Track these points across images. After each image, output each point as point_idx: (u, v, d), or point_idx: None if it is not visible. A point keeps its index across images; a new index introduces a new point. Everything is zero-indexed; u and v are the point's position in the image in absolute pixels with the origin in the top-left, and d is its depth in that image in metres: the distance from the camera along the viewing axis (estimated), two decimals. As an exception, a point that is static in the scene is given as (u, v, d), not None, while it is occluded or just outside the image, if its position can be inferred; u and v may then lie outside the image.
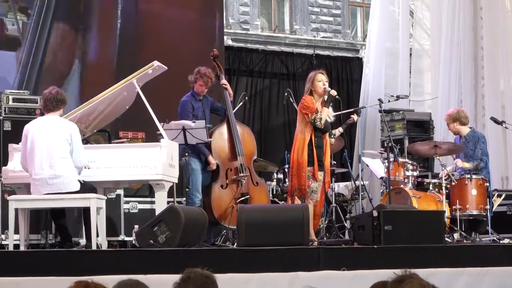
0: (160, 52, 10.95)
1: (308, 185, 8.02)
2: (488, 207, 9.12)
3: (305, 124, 8.13)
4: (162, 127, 8.06)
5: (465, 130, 9.62)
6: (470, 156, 9.48)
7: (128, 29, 11.78)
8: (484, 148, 9.54)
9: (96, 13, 11.72)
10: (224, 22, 13.97)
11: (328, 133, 8.29)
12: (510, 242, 8.91)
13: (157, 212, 7.40)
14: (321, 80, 8.19)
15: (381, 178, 9.73)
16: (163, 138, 7.84)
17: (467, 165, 9.39)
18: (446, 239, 8.28)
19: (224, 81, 9.31)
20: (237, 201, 8.71)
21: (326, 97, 8.20)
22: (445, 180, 9.15)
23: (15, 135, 8.11)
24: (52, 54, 11.18)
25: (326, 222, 9.53)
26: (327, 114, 8.18)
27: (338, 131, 8.62)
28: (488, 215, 9.11)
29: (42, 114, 7.88)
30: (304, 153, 8.05)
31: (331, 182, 9.64)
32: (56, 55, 11.25)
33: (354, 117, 8.73)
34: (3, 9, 11.06)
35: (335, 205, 9.97)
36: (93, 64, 11.51)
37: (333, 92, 8.14)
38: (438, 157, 9.36)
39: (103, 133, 9.44)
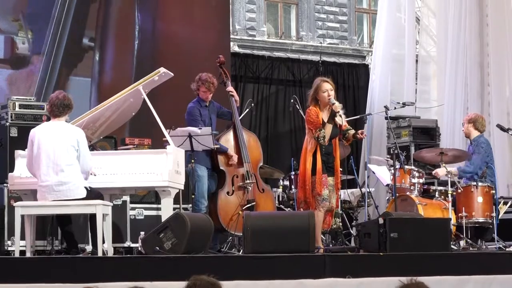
0: (177, 68, 10.99)
1: (319, 193, 7.90)
2: (494, 214, 9.11)
3: (311, 134, 7.98)
4: (168, 133, 8.06)
5: (474, 134, 9.59)
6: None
7: (145, 50, 11.81)
8: (483, 152, 9.46)
9: (112, 33, 11.74)
10: (230, 29, 13.97)
11: (337, 137, 8.06)
12: (516, 249, 8.90)
13: (163, 219, 7.40)
14: (325, 90, 7.94)
15: (387, 185, 9.71)
16: (169, 144, 7.84)
17: (449, 169, 9.35)
18: (452, 246, 8.28)
19: (230, 88, 9.32)
20: (243, 208, 8.71)
21: (330, 108, 7.94)
22: (451, 187, 9.14)
23: (22, 142, 8.10)
24: (66, 74, 11.25)
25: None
26: (340, 120, 8.00)
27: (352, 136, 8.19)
28: (494, 222, 9.10)
29: (48, 119, 7.86)
30: (307, 164, 7.94)
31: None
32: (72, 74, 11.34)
33: (362, 135, 8.33)
34: (14, 28, 11.06)
35: (341, 212, 9.94)
36: (109, 83, 11.52)
37: (335, 108, 7.91)
38: (444, 164, 9.35)
39: (109, 139, 9.44)
